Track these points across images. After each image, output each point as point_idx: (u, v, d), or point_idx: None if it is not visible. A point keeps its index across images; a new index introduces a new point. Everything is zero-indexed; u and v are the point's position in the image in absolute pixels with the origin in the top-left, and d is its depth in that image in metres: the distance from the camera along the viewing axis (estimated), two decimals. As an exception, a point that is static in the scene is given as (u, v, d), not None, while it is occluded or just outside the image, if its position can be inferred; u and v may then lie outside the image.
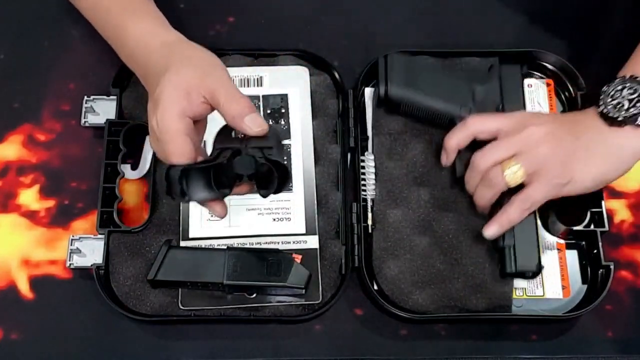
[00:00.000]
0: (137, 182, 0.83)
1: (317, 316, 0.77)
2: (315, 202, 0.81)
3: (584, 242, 0.81)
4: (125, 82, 0.86)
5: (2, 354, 0.76)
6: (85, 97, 0.85)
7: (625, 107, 0.73)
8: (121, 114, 0.84)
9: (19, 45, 0.90)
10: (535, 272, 0.77)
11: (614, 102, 0.73)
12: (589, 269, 0.80)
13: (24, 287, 0.79)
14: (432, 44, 0.89)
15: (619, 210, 0.84)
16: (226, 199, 0.80)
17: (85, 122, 0.84)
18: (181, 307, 0.76)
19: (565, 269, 0.80)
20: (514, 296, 0.78)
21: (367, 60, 0.86)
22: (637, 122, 0.72)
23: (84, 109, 0.84)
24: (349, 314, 0.78)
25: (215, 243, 0.79)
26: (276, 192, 0.69)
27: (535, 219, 0.78)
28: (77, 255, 0.78)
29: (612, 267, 0.78)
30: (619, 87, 0.74)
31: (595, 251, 0.80)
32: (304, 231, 0.80)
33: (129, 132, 0.83)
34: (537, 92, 0.87)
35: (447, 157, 0.80)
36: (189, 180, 0.68)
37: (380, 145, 0.84)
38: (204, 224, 0.80)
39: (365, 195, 0.82)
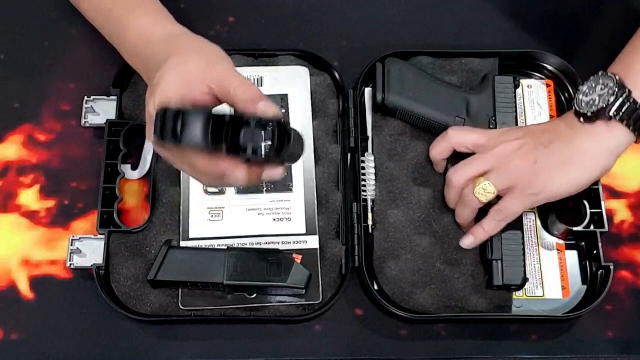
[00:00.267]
0: (137, 182, 0.83)
1: (317, 316, 0.77)
2: (316, 202, 0.81)
3: (583, 243, 0.81)
4: (125, 82, 0.86)
5: (2, 354, 0.76)
6: (86, 97, 0.85)
7: (596, 102, 0.72)
8: (121, 114, 0.84)
9: (19, 45, 0.90)
10: (520, 285, 0.77)
11: (587, 98, 0.73)
12: (588, 270, 0.80)
13: (24, 287, 0.79)
14: (431, 44, 0.89)
15: (618, 211, 0.84)
16: (225, 200, 0.80)
17: (85, 122, 0.84)
18: (181, 307, 0.76)
19: (565, 269, 0.80)
20: (514, 296, 0.78)
21: (367, 60, 0.86)
22: (609, 115, 0.72)
23: (84, 109, 0.84)
24: (349, 314, 0.79)
25: (215, 243, 0.79)
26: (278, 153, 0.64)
27: (522, 233, 0.78)
28: (77, 255, 0.78)
29: (611, 267, 0.78)
30: (592, 84, 0.74)
31: (595, 251, 0.80)
32: (304, 231, 0.80)
33: (129, 132, 0.83)
34: (536, 92, 0.88)
35: (437, 167, 0.82)
36: (185, 121, 0.61)
37: (381, 145, 0.84)
38: (204, 224, 0.80)
39: (366, 195, 0.82)
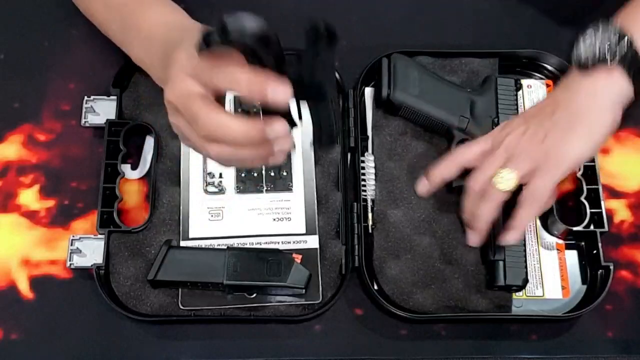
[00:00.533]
0: (137, 182, 0.83)
1: (317, 316, 0.77)
2: (316, 202, 0.81)
3: (583, 243, 0.81)
4: (125, 82, 0.86)
5: (2, 354, 0.76)
6: (86, 97, 0.85)
7: (596, 49, 0.72)
8: (121, 114, 0.84)
9: (20, 45, 0.90)
10: (521, 286, 0.77)
11: (586, 48, 0.72)
12: (588, 269, 0.80)
13: (24, 287, 0.79)
14: (432, 44, 0.89)
15: (618, 211, 0.84)
16: (225, 200, 0.80)
17: (85, 122, 0.84)
18: (181, 307, 0.76)
19: (565, 269, 0.80)
20: (514, 296, 0.78)
21: (367, 60, 0.86)
22: (609, 62, 0.71)
23: (84, 109, 0.84)
24: (349, 314, 0.79)
25: (215, 243, 0.79)
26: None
27: (524, 234, 0.78)
28: (77, 255, 0.78)
29: (611, 267, 0.78)
30: (593, 33, 0.73)
31: (594, 251, 0.80)
32: (304, 231, 0.80)
33: (129, 132, 0.83)
34: (536, 92, 0.88)
35: (428, 188, 0.80)
36: (234, 17, 0.60)
37: (381, 145, 0.84)
38: (204, 224, 0.80)
39: (366, 195, 0.82)
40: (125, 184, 0.83)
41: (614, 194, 0.85)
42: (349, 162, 0.84)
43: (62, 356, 0.76)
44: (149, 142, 0.84)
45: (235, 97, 0.66)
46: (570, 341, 0.78)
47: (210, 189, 0.81)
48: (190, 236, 0.79)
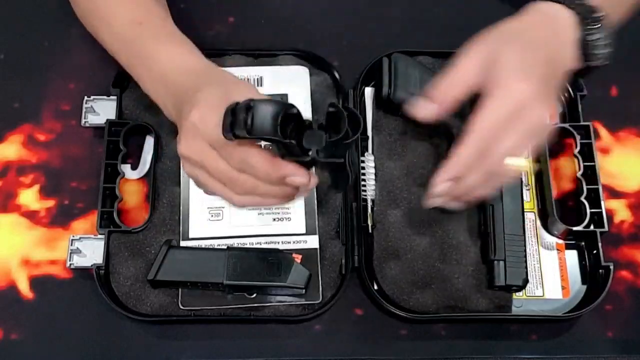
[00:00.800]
0: (137, 182, 0.83)
1: (317, 316, 0.77)
2: (316, 202, 0.81)
3: (583, 243, 0.81)
4: (125, 82, 0.86)
5: (2, 354, 0.76)
6: (86, 97, 0.85)
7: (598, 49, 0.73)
8: (121, 114, 0.84)
9: (19, 45, 0.90)
10: (521, 286, 0.77)
11: (593, 37, 0.73)
12: (588, 269, 0.80)
13: (24, 287, 0.79)
14: (432, 44, 0.89)
15: (618, 211, 0.84)
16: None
17: (85, 122, 0.84)
18: (181, 307, 0.76)
19: (565, 269, 0.80)
20: (514, 296, 0.78)
21: (367, 60, 0.86)
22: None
23: (84, 109, 0.84)
24: (349, 314, 0.79)
25: (215, 243, 0.79)
26: (344, 140, 0.63)
27: (524, 235, 0.78)
28: (77, 255, 0.78)
29: (611, 267, 0.78)
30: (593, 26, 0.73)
31: (595, 251, 0.80)
32: (304, 231, 0.80)
33: (129, 132, 0.83)
34: (536, 92, 0.88)
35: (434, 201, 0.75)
36: (256, 111, 0.61)
37: (381, 145, 0.84)
38: (204, 224, 0.80)
39: (365, 195, 0.82)
40: (125, 184, 0.83)
41: (614, 194, 0.85)
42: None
43: (62, 356, 0.76)
44: (149, 142, 0.84)
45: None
46: (570, 341, 0.78)
47: (210, 189, 0.81)
48: (190, 236, 0.79)
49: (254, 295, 0.77)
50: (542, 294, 0.79)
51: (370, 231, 0.80)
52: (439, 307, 0.78)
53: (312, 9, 0.93)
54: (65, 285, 0.79)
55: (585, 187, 0.81)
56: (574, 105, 0.86)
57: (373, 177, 0.82)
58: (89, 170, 0.83)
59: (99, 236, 0.79)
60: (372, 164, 0.83)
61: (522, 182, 0.81)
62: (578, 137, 0.84)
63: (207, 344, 0.77)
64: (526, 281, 0.77)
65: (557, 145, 0.86)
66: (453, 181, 0.71)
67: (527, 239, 0.79)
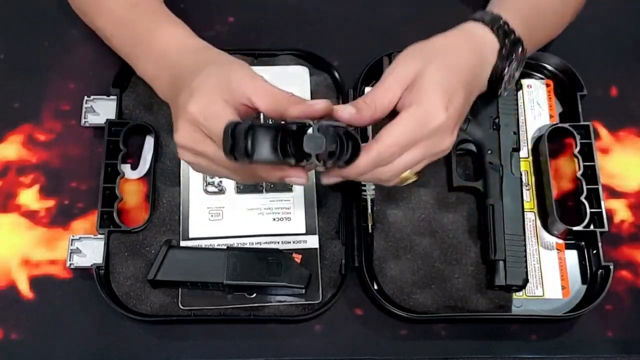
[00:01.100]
0: (137, 182, 0.83)
1: (317, 316, 0.77)
2: (316, 201, 0.81)
3: (583, 243, 0.81)
4: (125, 82, 0.86)
5: (2, 354, 0.76)
6: (86, 97, 0.85)
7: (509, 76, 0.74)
8: (121, 114, 0.84)
9: (19, 45, 0.90)
10: (521, 286, 0.77)
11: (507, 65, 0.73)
12: (588, 269, 0.80)
13: (24, 287, 0.79)
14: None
15: (618, 211, 0.84)
16: (225, 200, 0.80)
17: (85, 122, 0.84)
18: (181, 307, 0.76)
19: (565, 269, 0.80)
20: (514, 296, 0.78)
21: (367, 59, 0.86)
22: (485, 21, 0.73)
23: (84, 109, 0.84)
24: (349, 314, 0.78)
25: (215, 243, 0.79)
26: (347, 162, 0.64)
27: (524, 235, 0.78)
28: (77, 255, 0.78)
29: (611, 267, 0.78)
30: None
31: (594, 251, 0.80)
32: (304, 231, 0.80)
33: (129, 132, 0.83)
34: (536, 92, 0.88)
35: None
36: (255, 138, 0.62)
37: (380, 145, 0.84)
38: (204, 223, 0.80)
39: (365, 195, 0.82)
40: (125, 184, 0.83)
41: (614, 194, 0.85)
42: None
43: (62, 356, 0.76)
44: (149, 142, 0.84)
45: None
46: (570, 341, 0.78)
47: (210, 188, 0.81)
48: (190, 236, 0.79)
49: (254, 295, 0.77)
50: (542, 294, 0.79)
51: (370, 231, 0.80)
52: (439, 307, 0.78)
53: (311, 8, 0.93)
54: (65, 285, 0.79)
55: (585, 187, 0.81)
56: (573, 105, 0.86)
57: (373, 177, 0.82)
58: (89, 170, 0.83)
59: (99, 236, 0.79)
60: (372, 164, 0.83)
61: (522, 182, 0.81)
62: (578, 137, 0.84)
63: (207, 344, 0.77)
64: (526, 281, 0.77)
65: (557, 145, 0.86)
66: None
67: (527, 239, 0.79)
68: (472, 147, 0.82)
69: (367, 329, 0.78)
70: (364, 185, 0.82)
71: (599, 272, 0.79)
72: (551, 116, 0.87)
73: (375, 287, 0.78)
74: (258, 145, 0.62)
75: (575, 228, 0.80)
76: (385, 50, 0.85)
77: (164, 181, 0.82)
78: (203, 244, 0.79)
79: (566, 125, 0.85)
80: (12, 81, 0.88)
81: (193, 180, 0.81)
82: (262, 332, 0.77)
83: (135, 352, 0.77)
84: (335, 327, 0.78)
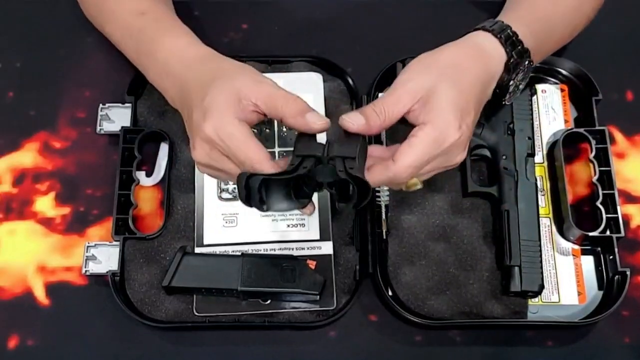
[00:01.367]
0: (152, 189, 0.84)
1: (332, 322, 0.77)
2: (330, 208, 0.81)
3: (599, 248, 0.81)
4: (140, 89, 0.86)
5: (18, 359, 0.76)
6: (101, 105, 0.85)
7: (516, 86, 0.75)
8: (136, 121, 0.85)
9: (35, 53, 0.91)
10: (536, 292, 0.77)
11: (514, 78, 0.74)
12: (605, 275, 0.80)
13: (40, 294, 0.79)
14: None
15: (635, 216, 0.84)
16: (240, 206, 0.80)
17: (100, 129, 0.85)
18: (196, 314, 0.77)
19: (581, 275, 0.80)
20: (530, 302, 0.78)
21: (381, 65, 0.86)
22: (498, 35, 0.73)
23: (99, 117, 0.85)
24: (364, 320, 0.78)
25: (229, 249, 0.79)
26: (355, 206, 0.67)
27: (540, 240, 0.78)
28: (92, 262, 0.79)
29: (628, 272, 0.77)
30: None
31: (611, 257, 0.79)
32: (318, 237, 0.80)
33: (144, 139, 0.84)
34: (551, 97, 0.87)
35: None
36: (269, 190, 0.67)
37: (394, 151, 0.84)
38: (218, 230, 0.80)
39: (380, 201, 0.81)
40: (140, 190, 0.83)
41: (630, 199, 0.84)
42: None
43: (78, 362, 0.77)
44: (164, 149, 0.85)
45: (295, 145, 0.70)
46: (587, 347, 0.77)
47: (225, 195, 0.81)
48: (205, 242, 0.79)
49: (269, 301, 0.77)
50: (558, 300, 0.78)
51: (384, 237, 0.80)
52: (454, 313, 0.77)
53: (325, 15, 0.93)
54: (81, 291, 0.79)
55: (600, 192, 0.81)
56: (589, 109, 0.86)
57: (387, 183, 0.82)
58: (104, 177, 0.83)
59: (114, 243, 0.79)
60: (386, 170, 0.82)
61: (537, 187, 0.80)
62: (593, 142, 0.83)
63: (221, 350, 0.77)
64: (542, 287, 0.76)
65: (572, 150, 0.85)
66: None
67: (542, 244, 0.79)
68: (487, 153, 0.82)
69: (382, 335, 0.78)
70: (378, 192, 0.81)
71: (615, 278, 0.78)
72: (566, 121, 0.86)
73: (390, 293, 0.78)
74: (271, 197, 0.67)
75: (591, 233, 0.79)
76: (398, 56, 0.85)
77: (178, 188, 0.82)
78: (217, 250, 0.79)
79: (581, 130, 0.84)
80: (28, 89, 0.89)
81: (207, 187, 0.81)
82: (277, 338, 0.77)
83: (149, 359, 0.77)
84: (349, 333, 0.78)
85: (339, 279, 0.78)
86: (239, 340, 0.77)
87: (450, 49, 0.73)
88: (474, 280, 0.79)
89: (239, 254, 0.78)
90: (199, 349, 0.77)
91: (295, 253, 0.79)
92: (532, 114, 0.83)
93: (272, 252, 0.79)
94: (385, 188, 0.81)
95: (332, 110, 0.85)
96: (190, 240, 0.80)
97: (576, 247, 0.81)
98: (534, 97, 0.86)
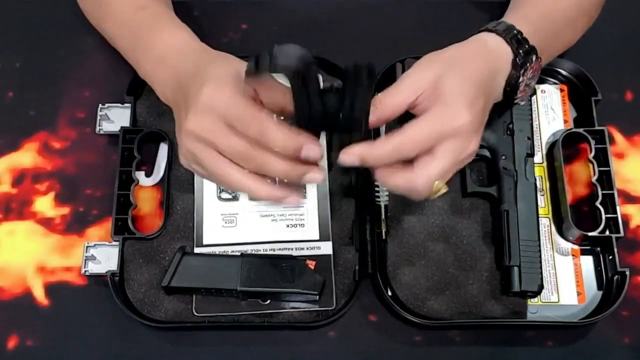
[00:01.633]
0: (151, 189, 0.84)
1: (331, 322, 0.77)
2: (329, 208, 0.81)
3: (599, 248, 0.81)
4: (139, 90, 0.86)
5: (17, 360, 0.77)
6: (100, 105, 0.85)
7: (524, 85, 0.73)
8: (135, 121, 0.85)
9: (35, 53, 0.91)
10: (536, 292, 0.77)
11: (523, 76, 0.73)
12: (604, 275, 0.80)
13: (39, 294, 0.79)
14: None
15: (634, 216, 0.84)
16: (239, 206, 0.80)
17: (100, 129, 0.85)
18: (195, 314, 0.77)
19: (581, 275, 0.80)
20: (529, 302, 0.78)
21: (380, 66, 0.86)
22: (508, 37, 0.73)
23: (98, 117, 0.85)
24: (363, 320, 0.78)
25: (229, 249, 0.79)
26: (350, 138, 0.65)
27: (539, 240, 0.78)
28: (92, 262, 0.79)
29: (627, 272, 0.77)
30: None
31: (610, 257, 0.79)
32: (317, 237, 0.80)
33: (143, 139, 0.84)
34: (550, 97, 0.87)
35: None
36: (281, 49, 0.62)
37: (394, 151, 0.84)
38: (218, 230, 0.80)
39: (379, 201, 0.81)
40: (139, 191, 0.83)
41: (630, 199, 0.84)
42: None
43: (77, 362, 0.77)
44: (163, 149, 0.85)
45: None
46: (586, 347, 0.78)
47: (224, 195, 0.81)
48: (204, 243, 0.79)
49: (268, 301, 0.77)
50: (557, 300, 0.79)
51: (384, 237, 0.80)
52: (454, 313, 0.78)
53: (324, 15, 0.93)
54: (80, 292, 0.79)
55: (600, 192, 0.81)
56: (588, 109, 0.86)
57: (386, 183, 0.82)
58: (104, 178, 0.83)
59: (114, 243, 0.79)
60: (386, 170, 0.82)
61: (536, 187, 0.80)
62: (593, 142, 0.84)
63: (221, 350, 0.77)
64: (541, 287, 0.76)
65: (571, 150, 0.85)
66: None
67: (542, 244, 0.79)
68: (486, 153, 0.82)
69: (381, 335, 0.78)
70: (378, 192, 0.81)
71: (614, 278, 0.78)
72: (565, 121, 0.86)
73: (389, 293, 0.78)
74: (283, 53, 0.62)
75: (590, 234, 0.79)
76: (398, 56, 0.85)
77: (178, 188, 0.82)
78: (217, 250, 0.79)
79: (581, 130, 0.84)
80: (27, 89, 0.89)
81: (207, 187, 0.81)
82: (276, 338, 0.77)
83: (149, 359, 0.77)
84: (349, 333, 0.78)
85: (338, 279, 0.78)
86: (239, 340, 0.77)
87: (455, 46, 0.73)
88: (473, 280, 0.79)
89: (239, 254, 0.78)
90: (198, 349, 0.77)
91: (295, 253, 0.79)
92: (531, 114, 0.83)
93: (272, 252, 0.79)
94: (385, 188, 0.81)
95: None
96: (189, 240, 0.80)
97: (575, 247, 0.81)
98: (534, 97, 0.86)
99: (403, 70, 0.83)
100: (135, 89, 0.86)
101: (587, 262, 0.81)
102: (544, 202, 0.82)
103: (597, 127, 0.84)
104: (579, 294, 0.79)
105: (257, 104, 0.66)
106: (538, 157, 0.84)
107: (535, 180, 0.81)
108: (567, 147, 0.84)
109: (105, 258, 0.79)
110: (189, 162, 0.70)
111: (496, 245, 0.80)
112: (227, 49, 0.76)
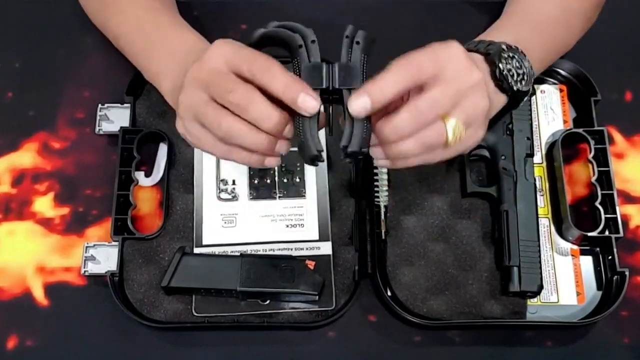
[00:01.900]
0: (150, 189, 0.84)
1: (331, 322, 0.77)
2: (329, 208, 0.81)
3: (598, 248, 0.81)
4: (139, 90, 0.86)
5: (17, 360, 0.77)
6: (100, 105, 0.85)
7: (514, 78, 0.70)
8: (135, 121, 0.85)
9: (34, 53, 0.91)
10: (535, 292, 0.77)
11: (507, 67, 0.70)
12: (603, 275, 0.80)
13: (39, 294, 0.79)
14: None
15: (634, 216, 0.84)
16: (239, 206, 0.80)
17: (99, 129, 0.85)
18: (195, 314, 0.77)
19: (580, 275, 0.80)
20: (529, 303, 0.78)
21: (381, 66, 0.86)
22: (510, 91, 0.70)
23: (98, 117, 0.85)
24: (363, 321, 0.78)
25: (228, 250, 0.79)
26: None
27: (539, 241, 0.78)
28: (91, 262, 0.79)
29: (627, 273, 0.77)
30: (508, 55, 0.70)
31: (610, 257, 0.79)
32: (317, 237, 0.80)
33: (143, 139, 0.84)
34: (550, 98, 0.87)
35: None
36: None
37: (393, 151, 0.84)
38: (217, 230, 0.80)
39: (379, 201, 0.81)
40: (139, 191, 0.83)
41: (629, 199, 0.84)
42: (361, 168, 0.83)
43: (77, 363, 0.77)
44: (163, 150, 0.85)
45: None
46: (586, 348, 0.78)
47: (224, 195, 0.81)
48: (204, 243, 0.79)
49: (268, 301, 0.77)
50: (557, 300, 0.79)
51: (383, 237, 0.80)
52: (453, 313, 0.78)
53: (323, 17, 0.93)
54: (80, 292, 0.79)
55: (599, 193, 0.81)
56: (587, 110, 0.86)
57: (386, 183, 0.82)
58: (103, 178, 0.83)
59: (113, 243, 0.79)
60: (386, 170, 0.82)
61: (536, 187, 0.80)
62: (592, 142, 0.84)
63: (220, 350, 0.77)
64: (541, 287, 0.76)
65: (571, 151, 0.85)
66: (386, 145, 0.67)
67: (541, 244, 0.79)
68: (486, 153, 0.82)
69: (381, 336, 0.78)
70: (377, 192, 0.81)
71: (614, 278, 0.78)
72: (565, 121, 0.86)
73: (389, 293, 0.78)
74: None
75: (590, 234, 0.79)
76: (398, 56, 0.85)
77: (177, 188, 0.82)
78: (216, 250, 0.79)
79: (580, 130, 0.84)
80: (27, 89, 0.89)
81: (206, 187, 0.82)
82: (276, 338, 0.77)
83: (149, 359, 0.77)
84: (348, 333, 0.78)
85: (338, 280, 0.78)
86: (238, 340, 0.77)
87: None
88: (473, 280, 0.79)
89: (238, 254, 0.78)
90: (198, 349, 0.77)
91: (294, 253, 0.79)
92: (531, 115, 0.83)
93: (271, 253, 0.79)
94: (385, 189, 0.81)
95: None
96: (189, 240, 0.80)
97: (575, 247, 0.81)
98: (533, 98, 0.86)
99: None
100: (134, 89, 0.86)
101: (587, 262, 0.81)
102: (543, 203, 0.82)
103: (596, 128, 0.84)
104: (578, 294, 0.79)
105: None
106: (538, 158, 0.84)
107: (535, 180, 0.81)
108: (566, 147, 0.84)
109: (104, 258, 0.79)
110: (185, 124, 0.68)
111: (496, 246, 0.80)
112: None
